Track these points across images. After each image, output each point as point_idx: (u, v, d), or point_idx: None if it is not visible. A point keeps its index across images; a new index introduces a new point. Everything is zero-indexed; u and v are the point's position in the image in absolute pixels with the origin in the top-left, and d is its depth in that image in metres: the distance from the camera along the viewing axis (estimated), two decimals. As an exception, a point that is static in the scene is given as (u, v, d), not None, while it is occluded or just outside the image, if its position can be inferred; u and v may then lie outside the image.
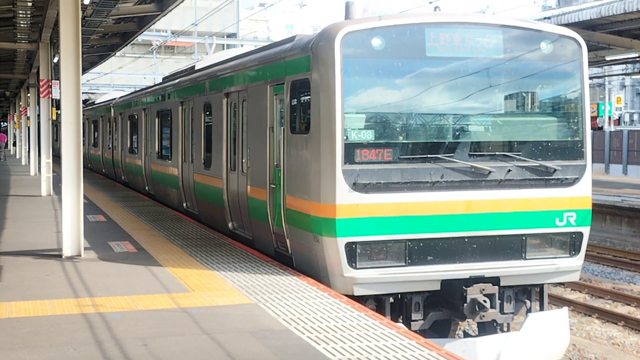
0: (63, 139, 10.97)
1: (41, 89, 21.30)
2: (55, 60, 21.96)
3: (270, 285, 8.98)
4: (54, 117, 21.84)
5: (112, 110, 27.55)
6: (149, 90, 21.46)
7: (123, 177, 25.40)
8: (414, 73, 9.36)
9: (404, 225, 8.97)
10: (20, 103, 38.60)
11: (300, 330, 7.00)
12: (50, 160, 21.40)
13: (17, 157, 44.53)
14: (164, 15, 19.88)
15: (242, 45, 43.66)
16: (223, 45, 46.09)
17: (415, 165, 9.06)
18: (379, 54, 9.06)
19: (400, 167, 9.02)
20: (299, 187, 9.66)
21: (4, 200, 19.47)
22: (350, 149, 8.88)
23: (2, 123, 78.88)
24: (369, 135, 9.05)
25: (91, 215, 15.60)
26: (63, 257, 10.84)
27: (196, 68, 17.00)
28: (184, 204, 16.24)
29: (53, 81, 20.36)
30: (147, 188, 20.79)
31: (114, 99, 28.92)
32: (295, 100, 9.97)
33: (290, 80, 9.96)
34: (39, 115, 23.52)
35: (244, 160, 11.93)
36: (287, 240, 10.12)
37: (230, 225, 12.88)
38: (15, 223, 14.81)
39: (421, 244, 9.06)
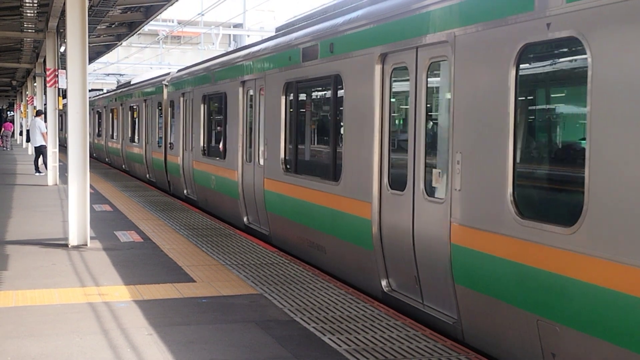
0: (69, 128, 10.98)
1: (48, 79, 21.29)
2: (62, 49, 21.95)
3: (275, 275, 8.98)
4: (61, 107, 21.84)
5: (166, 90, 20.16)
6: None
7: (186, 192, 17.80)
8: None
9: None
10: (27, 92, 38.63)
11: (306, 320, 7.00)
12: (57, 150, 21.45)
13: (24, 146, 44.64)
14: (171, 5, 19.82)
15: (248, 36, 43.66)
16: (229, 35, 46.05)
17: None
18: None
19: None
20: None
21: (10, 189, 19.53)
22: None
23: (8, 112, 79.05)
24: None
25: (97, 205, 15.64)
26: (69, 246, 10.87)
27: None
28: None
29: (60, 70, 20.34)
30: (245, 219, 13.12)
31: (167, 74, 21.29)
32: None
33: None
34: (45, 104, 23.52)
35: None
36: None
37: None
38: (22, 212, 14.84)
39: None
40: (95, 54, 32.98)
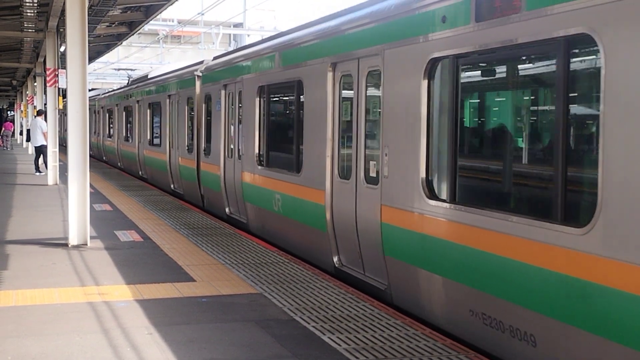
0: (69, 128, 10.98)
1: (48, 78, 21.31)
2: (62, 49, 21.95)
3: (275, 275, 8.99)
4: (61, 107, 21.86)
5: (199, 83, 16.34)
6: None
7: (229, 210, 14.09)
8: None
9: None
10: (27, 92, 38.65)
11: (306, 320, 7.01)
12: (57, 150, 21.47)
13: (24, 146, 44.67)
14: (171, 5, 19.83)
15: (248, 36, 43.70)
16: (230, 35, 46.07)
17: None
18: None
19: None
20: None
21: (10, 189, 19.54)
22: None
23: (9, 112, 79.10)
24: None
25: (97, 205, 15.65)
26: (69, 246, 10.87)
27: None
28: None
29: (60, 70, 20.35)
30: (336, 260, 9.43)
31: (200, 62, 17.38)
32: None
33: None
34: (45, 104, 23.51)
35: None
36: None
37: None
38: (22, 212, 14.84)
39: None
40: (95, 54, 32.99)
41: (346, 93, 9.18)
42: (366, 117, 8.58)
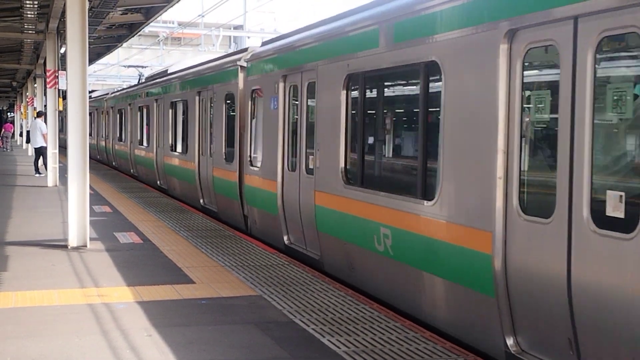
0: (69, 129, 10.99)
1: (48, 80, 21.32)
2: (62, 50, 21.96)
3: (275, 277, 8.99)
4: (61, 108, 21.86)
5: (242, 75, 13.33)
6: None
7: (288, 239, 11.06)
8: None
9: None
10: (27, 94, 38.65)
11: (305, 322, 7.01)
12: (57, 151, 21.48)
13: (24, 147, 44.69)
14: (171, 7, 19.84)
15: (249, 38, 43.76)
16: (230, 37, 46.09)
17: None
18: None
19: None
20: None
21: (10, 190, 19.54)
22: None
23: (8, 113, 79.13)
24: None
25: (97, 206, 15.65)
26: (69, 247, 10.87)
27: None
28: None
29: (60, 72, 20.36)
30: (512, 343, 6.02)
31: (244, 50, 14.21)
32: None
33: None
34: (45, 105, 23.51)
35: None
36: None
37: None
38: (22, 213, 14.84)
39: None
40: (95, 55, 33.00)
41: (533, 76, 6.04)
42: (594, 116, 5.21)
